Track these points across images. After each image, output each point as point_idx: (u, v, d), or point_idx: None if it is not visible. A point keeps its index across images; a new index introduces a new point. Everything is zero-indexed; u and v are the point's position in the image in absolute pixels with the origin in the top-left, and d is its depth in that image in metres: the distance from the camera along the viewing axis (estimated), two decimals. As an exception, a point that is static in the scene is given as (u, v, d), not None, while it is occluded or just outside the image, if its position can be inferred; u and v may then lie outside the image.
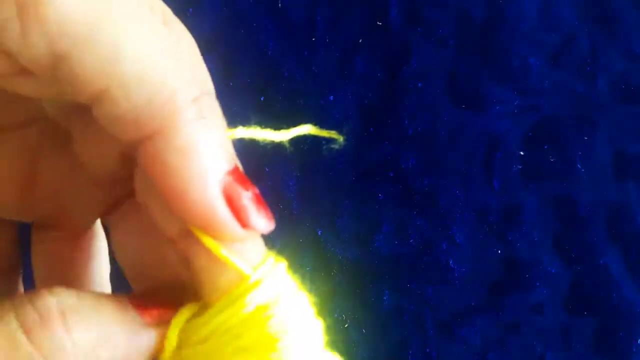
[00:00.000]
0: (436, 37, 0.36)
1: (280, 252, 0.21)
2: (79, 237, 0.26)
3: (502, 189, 0.35)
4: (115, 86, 0.18)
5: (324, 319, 0.21)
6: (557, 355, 0.35)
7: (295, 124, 0.29)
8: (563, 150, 0.35)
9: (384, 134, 0.35)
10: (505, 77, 0.36)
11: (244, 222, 0.19)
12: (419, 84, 0.35)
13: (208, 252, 0.19)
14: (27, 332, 0.18)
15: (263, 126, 0.27)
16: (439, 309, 0.35)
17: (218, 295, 0.19)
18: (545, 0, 0.36)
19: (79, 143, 0.23)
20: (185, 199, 0.19)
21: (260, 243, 0.21)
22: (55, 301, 0.18)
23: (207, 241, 0.19)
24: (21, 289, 0.27)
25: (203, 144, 0.19)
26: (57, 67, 0.18)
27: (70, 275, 0.26)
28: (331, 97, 0.35)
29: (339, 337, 0.31)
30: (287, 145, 0.25)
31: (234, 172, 0.19)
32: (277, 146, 0.33)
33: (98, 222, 0.27)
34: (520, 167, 0.35)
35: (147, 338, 0.19)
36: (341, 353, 0.21)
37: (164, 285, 0.24)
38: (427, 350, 0.34)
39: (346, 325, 0.34)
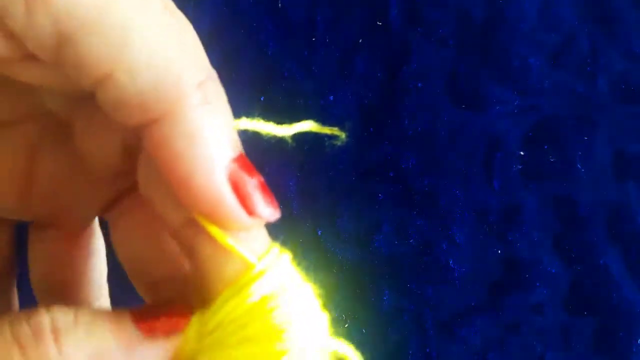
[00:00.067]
0: (436, 37, 0.36)
1: (280, 252, 0.21)
2: (78, 235, 0.26)
3: (502, 189, 0.35)
4: (122, 69, 0.18)
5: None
6: (557, 355, 0.35)
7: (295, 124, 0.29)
8: (563, 150, 0.35)
9: (384, 134, 0.35)
10: (505, 77, 0.36)
11: (250, 210, 0.19)
12: (419, 84, 0.35)
13: (213, 241, 0.19)
14: (20, 347, 0.18)
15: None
16: (439, 309, 0.35)
17: (223, 285, 0.19)
18: (545, 0, 0.36)
19: (81, 136, 0.23)
20: (192, 185, 0.18)
21: (264, 233, 0.21)
22: (49, 318, 0.18)
23: (212, 229, 0.19)
24: (15, 290, 0.27)
25: (209, 129, 0.19)
26: (61, 50, 0.18)
27: (68, 275, 0.26)
28: (331, 97, 0.35)
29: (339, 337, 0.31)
30: (289, 141, 0.25)
31: (240, 158, 0.19)
32: (278, 146, 0.33)
33: (96, 221, 0.27)
34: (520, 167, 0.35)
35: (147, 353, 0.19)
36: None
37: (165, 280, 0.24)
38: (427, 350, 0.34)
39: (346, 325, 0.34)
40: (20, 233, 0.27)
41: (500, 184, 0.35)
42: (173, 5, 0.19)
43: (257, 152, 0.20)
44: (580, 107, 0.36)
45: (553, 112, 0.36)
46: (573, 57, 0.36)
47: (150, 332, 0.19)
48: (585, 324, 0.35)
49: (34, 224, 0.26)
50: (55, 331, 0.18)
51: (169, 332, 0.19)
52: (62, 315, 0.18)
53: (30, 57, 0.19)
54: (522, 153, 0.35)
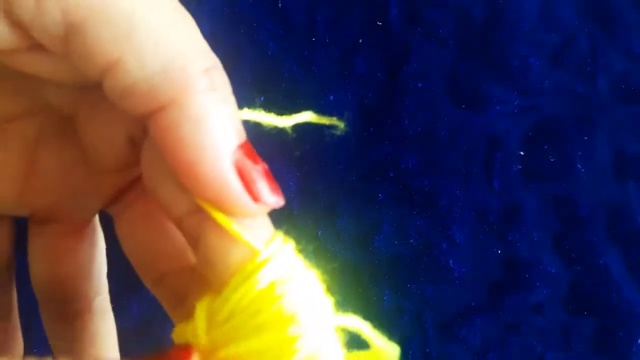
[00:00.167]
0: (436, 37, 0.36)
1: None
2: (79, 231, 0.26)
3: (502, 189, 0.35)
4: (130, 56, 0.18)
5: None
6: (557, 355, 0.35)
7: (295, 124, 0.29)
8: (563, 150, 0.35)
9: (384, 134, 0.35)
10: (505, 77, 0.36)
11: (255, 196, 0.19)
12: (419, 84, 0.35)
13: (218, 228, 0.19)
14: None
15: (263, 127, 0.27)
16: (439, 309, 0.35)
17: (230, 273, 0.19)
18: (545, 0, 0.36)
19: (84, 128, 0.23)
20: (197, 170, 0.19)
21: (268, 221, 0.21)
22: None
23: (218, 216, 0.19)
24: (14, 286, 0.27)
25: (215, 116, 0.19)
26: (70, 39, 0.18)
27: (69, 270, 0.26)
28: (331, 97, 0.35)
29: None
30: (289, 131, 0.25)
31: (244, 146, 0.19)
32: (278, 146, 0.33)
33: (96, 216, 0.27)
34: (520, 167, 0.35)
35: None
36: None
37: (171, 272, 0.24)
38: (427, 350, 0.34)
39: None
40: (20, 229, 0.27)
41: (500, 184, 0.35)
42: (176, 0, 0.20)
43: (257, 151, 0.20)
44: (580, 107, 0.36)
45: (553, 112, 0.36)
46: (573, 57, 0.36)
47: None
48: (585, 324, 0.35)
49: (34, 219, 0.26)
50: None
51: None
52: None
53: (37, 47, 0.19)
54: (522, 153, 0.36)
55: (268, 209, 0.20)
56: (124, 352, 0.28)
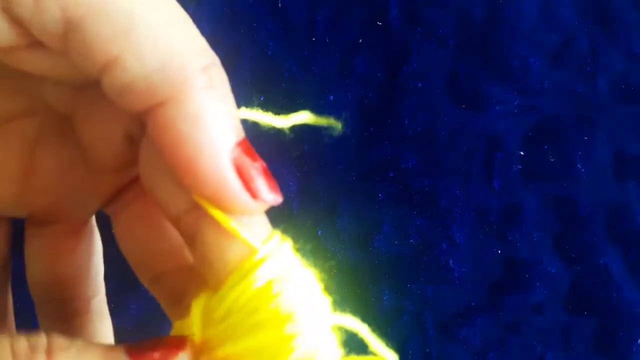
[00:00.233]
0: (436, 37, 0.36)
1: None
2: (77, 231, 0.26)
3: (502, 189, 0.35)
4: (129, 53, 0.18)
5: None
6: (557, 355, 0.35)
7: (295, 124, 0.29)
8: (563, 150, 0.35)
9: (384, 134, 0.35)
10: (505, 77, 0.36)
11: (253, 193, 0.19)
12: (419, 84, 0.35)
13: (216, 225, 0.19)
14: (15, 358, 0.18)
15: (262, 126, 0.27)
16: (439, 309, 0.35)
17: (228, 270, 0.19)
18: (545, 0, 0.36)
19: (82, 127, 0.23)
20: (196, 167, 0.19)
21: (265, 219, 0.21)
22: (47, 339, 0.19)
23: (216, 213, 0.19)
24: (9, 287, 0.27)
25: (213, 113, 0.19)
26: (69, 37, 0.18)
27: (66, 271, 0.26)
28: (331, 97, 0.35)
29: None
30: (287, 132, 0.25)
31: (243, 143, 0.19)
32: (278, 146, 0.33)
33: (93, 218, 0.27)
34: (520, 167, 0.35)
35: None
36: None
37: (169, 272, 0.24)
38: (427, 350, 0.34)
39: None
40: (16, 230, 0.27)
41: (500, 184, 0.35)
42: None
43: (256, 151, 0.20)
44: (580, 107, 0.36)
45: (553, 112, 0.36)
46: (573, 57, 0.36)
47: None
48: (585, 324, 0.35)
49: (31, 220, 0.26)
50: (50, 350, 0.19)
51: None
52: (58, 339, 0.19)
53: (35, 45, 0.19)
54: (522, 153, 0.36)
55: (266, 207, 0.20)
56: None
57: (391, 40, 0.35)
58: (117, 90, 0.19)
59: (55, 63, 0.20)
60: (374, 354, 0.21)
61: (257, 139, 0.25)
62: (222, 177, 0.19)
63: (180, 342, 0.20)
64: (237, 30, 0.35)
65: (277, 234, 0.20)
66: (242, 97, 0.34)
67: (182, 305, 0.22)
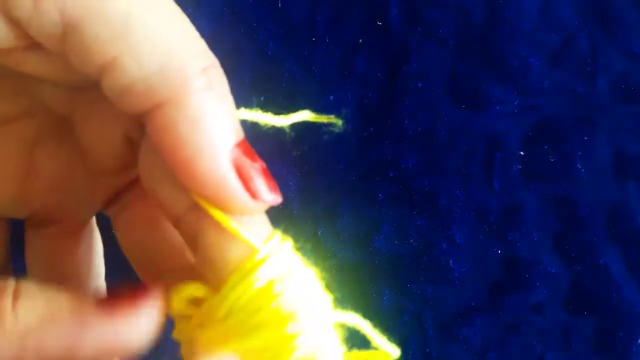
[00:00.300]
0: (436, 37, 0.36)
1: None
2: (77, 232, 0.26)
3: (502, 189, 0.35)
4: (127, 55, 0.18)
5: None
6: (557, 355, 0.35)
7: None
8: (563, 150, 0.35)
9: (384, 134, 0.35)
10: (505, 77, 0.36)
11: (253, 193, 0.19)
12: (419, 84, 0.35)
13: (217, 226, 0.19)
14: None
15: (262, 126, 0.27)
16: (439, 309, 0.35)
17: (229, 270, 0.19)
18: (545, 0, 0.36)
19: (81, 128, 0.23)
20: (196, 168, 0.19)
21: (266, 219, 0.21)
22: (15, 283, 0.19)
23: (216, 214, 0.19)
24: None
25: (212, 114, 0.19)
26: (67, 38, 0.18)
27: (67, 272, 0.26)
28: (331, 97, 0.35)
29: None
30: (287, 130, 0.25)
31: (242, 144, 0.19)
32: (277, 145, 0.33)
33: (93, 219, 0.27)
34: (520, 167, 0.35)
35: (102, 330, 0.19)
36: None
37: (171, 272, 0.24)
38: (427, 350, 0.34)
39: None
40: (17, 231, 0.27)
41: (500, 184, 0.35)
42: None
43: (256, 151, 0.20)
44: (580, 107, 0.36)
45: (553, 112, 0.36)
46: (573, 57, 0.36)
47: (108, 311, 0.19)
48: (585, 324, 0.35)
49: (31, 222, 0.26)
50: (16, 292, 0.19)
51: (126, 314, 0.19)
52: (28, 285, 0.19)
53: (34, 47, 0.19)
54: (522, 153, 0.36)
55: (266, 207, 0.20)
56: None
57: (391, 40, 0.35)
58: (116, 92, 0.19)
59: (54, 65, 0.20)
60: (376, 349, 0.21)
61: (257, 139, 0.25)
62: (222, 178, 0.19)
63: (149, 289, 0.20)
64: (237, 30, 0.35)
65: (278, 234, 0.20)
66: (242, 98, 0.34)
67: None
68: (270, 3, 0.35)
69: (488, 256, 0.35)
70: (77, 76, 0.20)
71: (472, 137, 0.35)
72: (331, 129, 0.34)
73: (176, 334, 0.21)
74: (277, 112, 0.34)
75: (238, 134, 0.19)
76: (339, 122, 0.33)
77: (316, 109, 0.35)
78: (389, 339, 0.21)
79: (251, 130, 0.24)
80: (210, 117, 0.19)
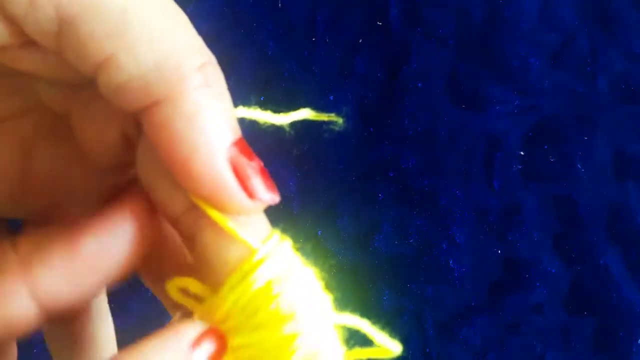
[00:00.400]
0: (436, 37, 0.36)
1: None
2: None
3: (502, 189, 0.35)
4: (123, 52, 0.18)
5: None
6: (557, 355, 0.35)
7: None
8: (563, 150, 0.35)
9: (384, 134, 0.35)
10: (505, 77, 0.36)
11: (250, 193, 0.19)
12: (419, 84, 0.35)
13: (214, 226, 0.19)
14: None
15: (262, 126, 0.27)
16: (439, 309, 0.35)
17: (227, 271, 0.19)
18: (545, 0, 0.36)
19: (78, 126, 0.23)
20: (192, 167, 0.18)
21: (264, 219, 0.21)
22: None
23: (213, 214, 0.19)
24: None
25: (209, 111, 0.19)
26: (63, 35, 0.18)
27: None
28: (331, 97, 0.35)
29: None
30: (287, 129, 0.25)
31: (239, 142, 0.19)
32: (277, 145, 0.33)
33: None
34: (520, 167, 0.35)
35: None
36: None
37: (170, 270, 0.24)
38: (427, 350, 0.34)
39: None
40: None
41: (500, 184, 0.35)
42: None
43: (256, 151, 0.20)
44: (580, 107, 0.36)
45: (553, 112, 0.36)
46: (573, 57, 0.36)
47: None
48: (585, 324, 0.35)
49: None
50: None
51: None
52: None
53: (30, 44, 0.19)
54: (522, 153, 0.35)
55: (264, 206, 0.20)
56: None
57: (391, 40, 0.35)
58: (113, 90, 0.19)
59: (50, 62, 0.20)
60: (377, 347, 0.21)
61: (256, 139, 0.25)
62: (219, 177, 0.19)
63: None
64: (237, 30, 0.35)
65: (277, 234, 0.20)
66: (242, 97, 0.34)
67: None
68: (270, 3, 0.35)
69: (488, 256, 0.35)
70: (74, 74, 0.20)
71: (472, 137, 0.35)
72: (331, 127, 0.34)
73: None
74: (277, 112, 0.34)
75: (235, 132, 0.19)
76: (340, 120, 0.33)
77: (316, 109, 0.35)
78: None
79: (250, 129, 0.24)
80: (207, 115, 0.19)
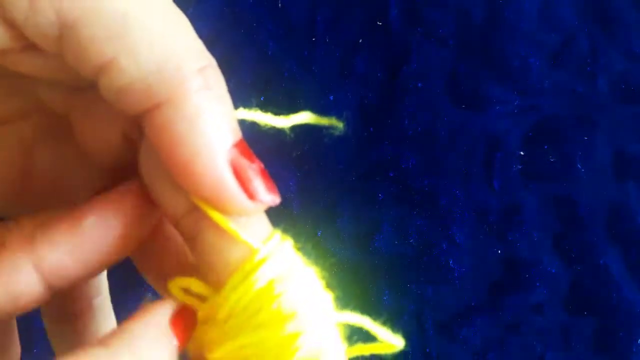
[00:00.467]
0: (436, 37, 0.36)
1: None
2: None
3: (502, 189, 0.35)
4: (124, 55, 0.18)
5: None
6: (557, 355, 0.35)
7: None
8: (563, 150, 0.35)
9: (384, 134, 0.35)
10: (505, 77, 0.36)
11: (251, 194, 0.19)
12: (419, 84, 0.35)
13: (215, 227, 0.19)
14: None
15: (262, 126, 0.27)
16: (439, 309, 0.35)
17: (229, 272, 0.19)
18: (545, 0, 0.36)
19: (80, 128, 0.23)
20: (193, 169, 0.19)
21: (265, 219, 0.21)
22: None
23: (214, 215, 0.19)
24: None
25: (210, 114, 0.19)
26: (63, 38, 0.18)
27: None
28: (331, 97, 0.35)
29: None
30: (287, 132, 0.25)
31: (240, 144, 0.19)
32: (277, 145, 0.33)
33: None
34: (520, 167, 0.35)
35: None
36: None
37: (173, 270, 0.24)
38: (427, 350, 0.34)
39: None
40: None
41: (500, 184, 0.35)
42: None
43: (256, 152, 0.20)
44: (580, 107, 0.36)
45: (553, 112, 0.36)
46: (573, 57, 0.36)
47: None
48: (585, 324, 0.35)
49: None
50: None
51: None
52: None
53: (30, 47, 0.19)
54: (522, 153, 0.36)
55: (264, 207, 0.20)
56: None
57: (391, 40, 0.35)
58: (114, 93, 0.19)
59: (51, 65, 0.20)
60: (379, 342, 0.21)
61: (257, 140, 0.25)
62: (219, 179, 0.19)
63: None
64: (237, 30, 0.35)
65: (278, 234, 0.20)
66: (242, 98, 0.34)
67: None
68: (270, 3, 0.35)
69: (488, 256, 0.35)
70: (74, 76, 0.20)
71: (472, 137, 0.35)
72: (331, 132, 0.34)
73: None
74: (277, 112, 0.34)
75: (236, 134, 0.19)
76: (340, 124, 0.33)
77: (316, 109, 0.35)
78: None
79: (251, 130, 0.24)
80: (208, 117, 0.19)
